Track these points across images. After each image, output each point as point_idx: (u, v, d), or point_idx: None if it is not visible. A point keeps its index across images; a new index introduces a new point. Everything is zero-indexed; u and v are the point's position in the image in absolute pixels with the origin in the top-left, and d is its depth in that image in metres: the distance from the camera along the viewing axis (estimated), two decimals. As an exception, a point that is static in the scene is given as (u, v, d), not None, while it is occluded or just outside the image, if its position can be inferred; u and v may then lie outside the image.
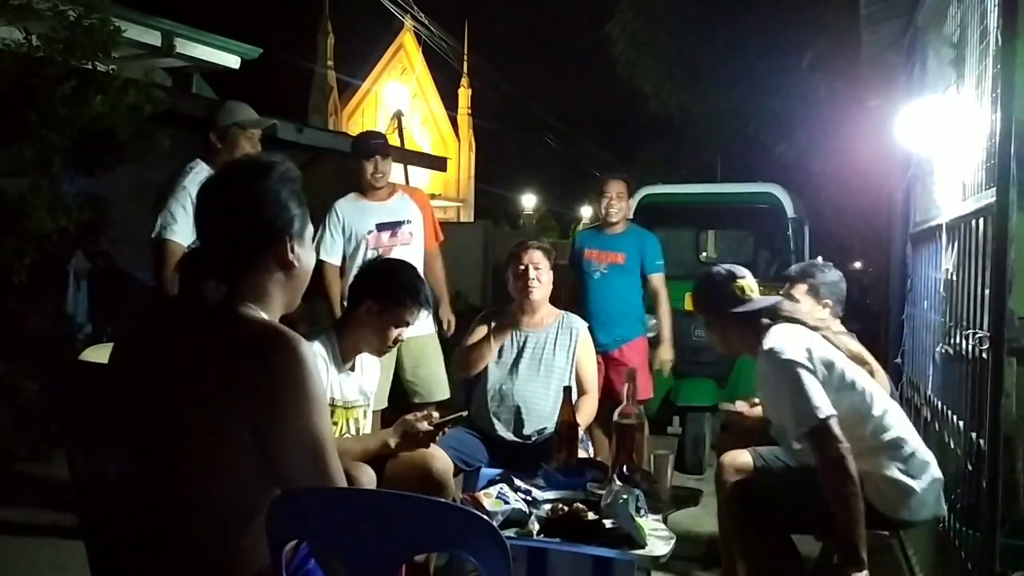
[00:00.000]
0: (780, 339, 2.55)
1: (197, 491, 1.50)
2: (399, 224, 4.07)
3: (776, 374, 2.50)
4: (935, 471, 2.51)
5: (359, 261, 3.91)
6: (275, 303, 1.60)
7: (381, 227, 4.04)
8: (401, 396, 4.04)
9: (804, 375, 2.44)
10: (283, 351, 1.45)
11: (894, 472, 2.46)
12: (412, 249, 4.05)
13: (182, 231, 3.21)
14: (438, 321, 4.24)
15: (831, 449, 2.35)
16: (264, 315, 1.56)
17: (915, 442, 2.55)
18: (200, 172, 3.30)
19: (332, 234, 4.05)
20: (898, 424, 2.55)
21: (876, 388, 2.60)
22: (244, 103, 3.47)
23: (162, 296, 3.11)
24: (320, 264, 3.97)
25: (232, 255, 1.56)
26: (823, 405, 2.39)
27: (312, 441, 1.47)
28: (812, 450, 2.41)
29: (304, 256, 1.62)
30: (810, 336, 2.60)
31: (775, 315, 2.68)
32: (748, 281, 2.74)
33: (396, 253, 3.96)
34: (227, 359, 1.47)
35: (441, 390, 4.07)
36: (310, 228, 1.65)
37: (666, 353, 4.58)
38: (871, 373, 2.73)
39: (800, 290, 3.29)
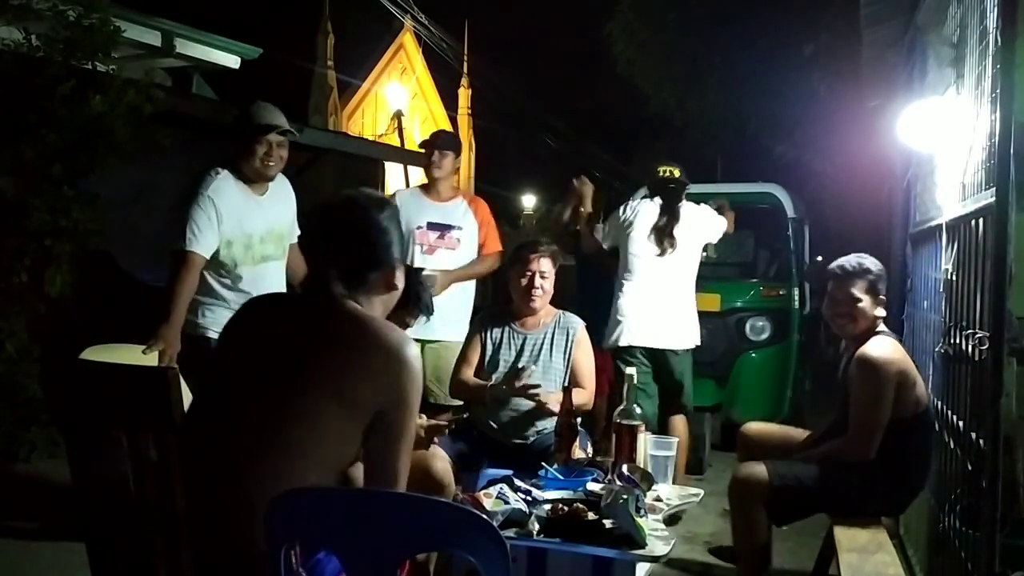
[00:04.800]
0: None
1: (289, 465, 1.61)
2: (449, 228, 4.11)
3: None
4: None
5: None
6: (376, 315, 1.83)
7: (432, 226, 4.09)
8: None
9: None
10: (414, 359, 1.72)
11: None
12: (456, 255, 4.10)
13: (206, 242, 3.17)
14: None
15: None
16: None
17: None
18: (225, 179, 3.25)
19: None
20: None
21: None
22: (273, 106, 3.36)
23: (171, 306, 3.09)
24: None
25: (351, 276, 1.78)
26: None
27: (406, 437, 1.71)
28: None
29: (400, 278, 1.87)
30: None
31: None
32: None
33: (440, 255, 4.03)
34: (366, 355, 1.68)
35: None
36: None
37: None
38: None
39: (860, 287, 3.20)
